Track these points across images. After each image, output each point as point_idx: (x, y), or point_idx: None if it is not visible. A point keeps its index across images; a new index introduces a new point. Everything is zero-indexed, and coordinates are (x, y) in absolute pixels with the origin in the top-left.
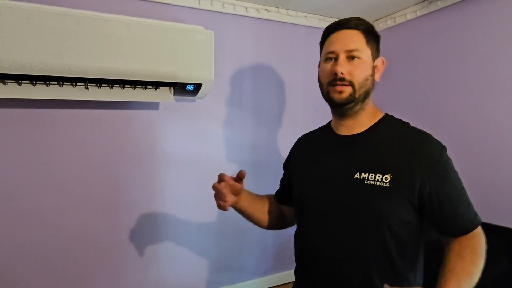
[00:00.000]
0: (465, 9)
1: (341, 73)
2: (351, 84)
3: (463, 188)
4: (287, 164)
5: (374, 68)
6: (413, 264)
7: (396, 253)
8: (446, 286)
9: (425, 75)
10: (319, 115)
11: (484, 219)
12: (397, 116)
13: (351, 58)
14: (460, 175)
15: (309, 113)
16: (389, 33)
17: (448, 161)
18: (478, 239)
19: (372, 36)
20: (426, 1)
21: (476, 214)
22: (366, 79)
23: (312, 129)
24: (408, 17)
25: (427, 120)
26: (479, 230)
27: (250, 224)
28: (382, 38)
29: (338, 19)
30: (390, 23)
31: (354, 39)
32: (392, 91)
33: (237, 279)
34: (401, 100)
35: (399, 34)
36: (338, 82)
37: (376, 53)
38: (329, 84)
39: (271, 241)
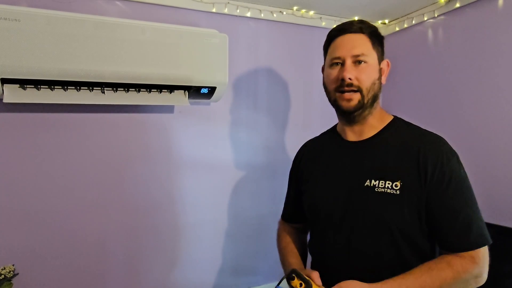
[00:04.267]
0: (484, 8)
1: (349, 78)
2: (359, 90)
3: (472, 201)
4: (294, 176)
5: (380, 71)
6: None
7: (413, 259)
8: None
9: (443, 76)
10: (336, 118)
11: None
12: (414, 118)
13: (357, 62)
14: (471, 177)
15: (326, 116)
16: (406, 34)
17: (455, 168)
18: (471, 262)
19: (377, 39)
20: (443, 0)
21: (481, 235)
22: (374, 83)
23: (321, 132)
24: (426, 17)
25: (441, 121)
26: (478, 254)
27: (266, 227)
28: (399, 39)
29: (342, 23)
30: (407, 23)
31: (359, 43)
32: (408, 92)
33: (253, 282)
34: (417, 101)
35: (416, 35)
36: (346, 88)
37: (381, 56)
38: (336, 91)
39: None
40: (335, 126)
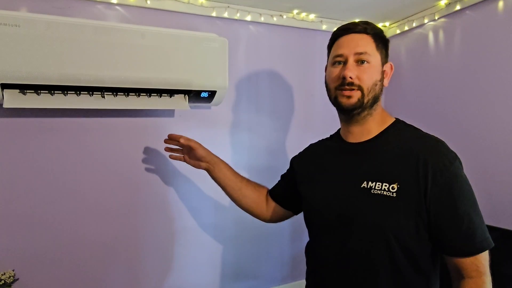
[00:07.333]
0: (484, 10)
1: (350, 77)
2: (360, 88)
3: (475, 205)
4: (295, 164)
5: (383, 73)
6: (428, 278)
7: (407, 267)
8: None
9: (443, 79)
10: (338, 120)
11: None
12: (414, 120)
13: (360, 62)
14: (473, 179)
15: (328, 119)
16: (406, 36)
17: (457, 172)
18: (478, 277)
19: (381, 41)
20: (443, 3)
21: (485, 239)
22: (375, 84)
23: (330, 135)
24: (426, 20)
25: (442, 123)
26: (481, 261)
27: (267, 231)
28: (400, 42)
29: (347, 23)
30: (408, 26)
31: (363, 43)
32: (409, 94)
33: (254, 286)
34: (417, 103)
35: (417, 37)
36: (346, 87)
37: (385, 58)
38: (337, 89)
39: (288, 249)
40: (340, 129)
